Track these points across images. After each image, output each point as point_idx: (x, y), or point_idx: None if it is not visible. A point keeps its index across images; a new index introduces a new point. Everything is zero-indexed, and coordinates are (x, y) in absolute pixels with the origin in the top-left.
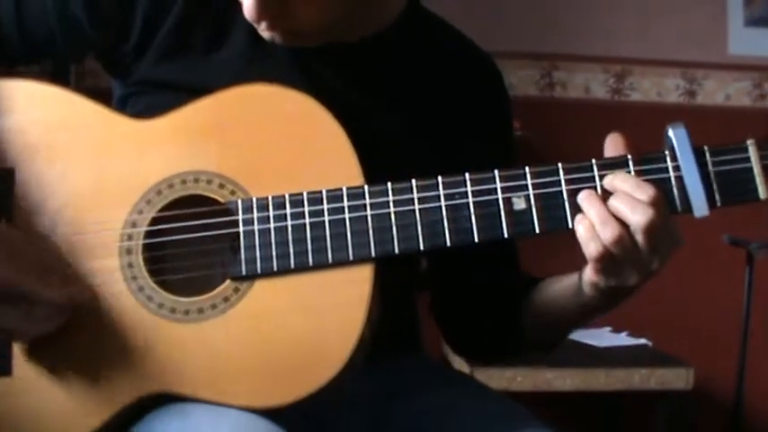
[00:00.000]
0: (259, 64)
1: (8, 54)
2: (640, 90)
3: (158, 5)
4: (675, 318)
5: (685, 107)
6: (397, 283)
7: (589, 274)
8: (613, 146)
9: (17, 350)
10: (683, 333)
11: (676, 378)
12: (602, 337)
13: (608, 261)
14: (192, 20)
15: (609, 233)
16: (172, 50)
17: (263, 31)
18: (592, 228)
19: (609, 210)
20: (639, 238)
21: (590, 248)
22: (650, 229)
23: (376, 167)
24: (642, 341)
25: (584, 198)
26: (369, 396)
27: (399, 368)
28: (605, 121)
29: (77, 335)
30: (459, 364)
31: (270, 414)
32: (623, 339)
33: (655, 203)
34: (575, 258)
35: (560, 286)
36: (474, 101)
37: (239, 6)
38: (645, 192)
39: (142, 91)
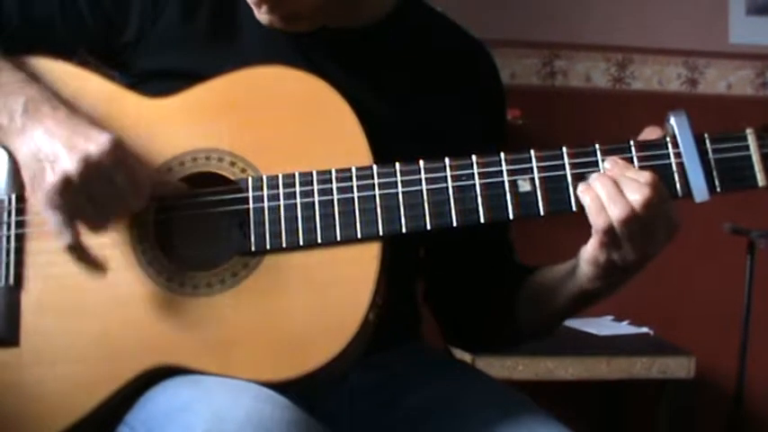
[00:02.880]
0: (262, 51)
1: (7, 37)
2: (641, 79)
3: None
4: (677, 307)
5: (687, 96)
6: (400, 271)
7: (591, 247)
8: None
9: (24, 321)
10: (685, 322)
11: (678, 367)
12: (603, 325)
13: (613, 235)
14: (193, 9)
15: (619, 210)
16: (175, 40)
17: (263, 14)
18: (599, 199)
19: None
20: (641, 213)
21: (599, 221)
22: (648, 206)
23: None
24: (644, 330)
25: (595, 176)
26: (373, 386)
27: (403, 358)
28: (606, 110)
29: (86, 307)
30: (461, 353)
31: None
32: (625, 328)
33: (651, 184)
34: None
35: (556, 270)
36: (469, 90)
37: None
38: (641, 174)
39: (148, 80)
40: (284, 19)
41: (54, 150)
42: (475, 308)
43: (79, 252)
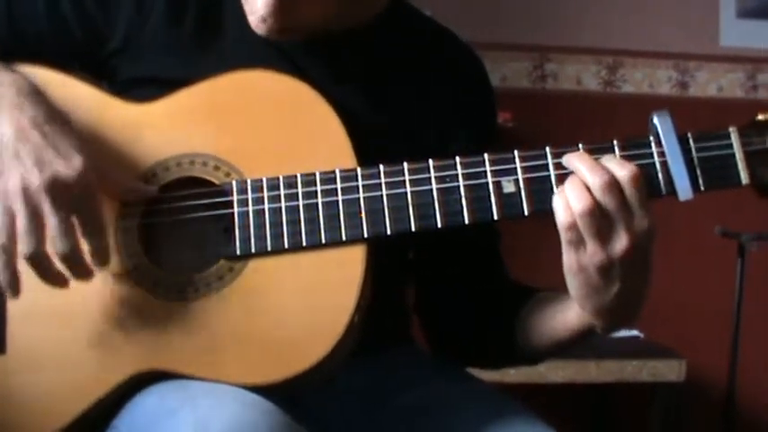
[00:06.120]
0: (247, 56)
1: (2, 53)
2: (632, 82)
3: (141, 3)
4: (667, 310)
5: (677, 99)
6: (389, 274)
7: (563, 254)
8: None
9: (11, 329)
10: (675, 325)
11: (668, 370)
12: None
13: (576, 230)
14: (180, 14)
15: (581, 202)
16: (161, 46)
17: (266, 26)
18: (566, 200)
19: (582, 182)
20: (599, 198)
21: (563, 218)
22: (604, 190)
23: (358, 157)
24: (634, 333)
25: (568, 181)
26: (362, 388)
27: (392, 360)
28: (597, 113)
29: (72, 313)
30: None
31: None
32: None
33: (608, 168)
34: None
35: (552, 294)
36: (456, 92)
37: (224, 2)
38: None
39: (134, 87)
40: (283, 31)
41: (20, 155)
42: (461, 320)
43: (37, 262)
